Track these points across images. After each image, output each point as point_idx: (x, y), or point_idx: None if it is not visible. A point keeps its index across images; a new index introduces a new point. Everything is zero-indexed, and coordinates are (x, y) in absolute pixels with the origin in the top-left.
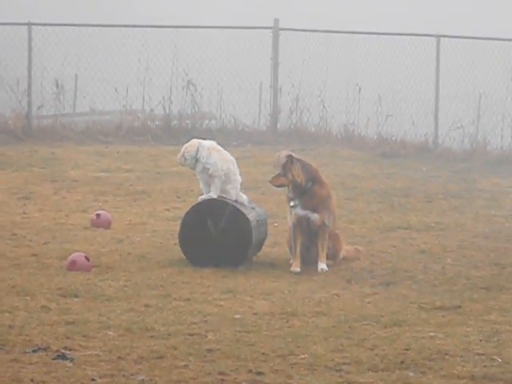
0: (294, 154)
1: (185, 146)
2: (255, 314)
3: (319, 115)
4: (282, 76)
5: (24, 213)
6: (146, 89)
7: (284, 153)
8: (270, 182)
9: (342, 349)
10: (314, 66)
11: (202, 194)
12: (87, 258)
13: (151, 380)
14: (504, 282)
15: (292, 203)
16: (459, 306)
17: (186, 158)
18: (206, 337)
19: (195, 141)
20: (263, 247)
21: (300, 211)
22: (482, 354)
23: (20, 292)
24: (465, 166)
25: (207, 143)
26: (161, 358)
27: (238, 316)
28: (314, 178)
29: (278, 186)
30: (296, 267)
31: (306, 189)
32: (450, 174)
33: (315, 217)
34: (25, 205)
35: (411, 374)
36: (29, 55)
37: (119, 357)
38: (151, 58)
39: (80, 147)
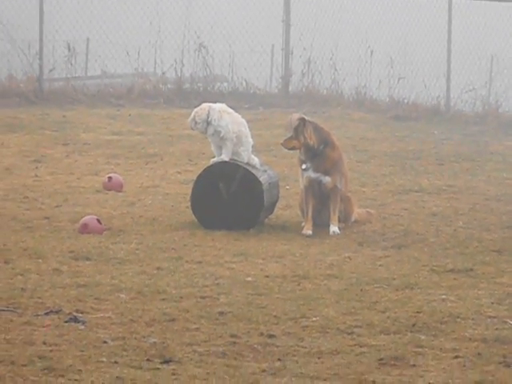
0: (306, 117)
1: (195, 110)
2: (267, 276)
3: (331, 78)
4: (293, 38)
5: (36, 176)
6: (157, 52)
7: (296, 116)
8: (281, 144)
9: (353, 311)
10: (325, 28)
11: (214, 157)
12: (99, 221)
13: (163, 343)
14: None
15: (304, 166)
16: (471, 269)
17: (196, 122)
18: (218, 299)
19: (205, 104)
20: (275, 210)
21: (312, 174)
22: (494, 317)
23: (32, 255)
24: (477, 129)
25: (218, 106)
26: (172, 320)
27: (249, 279)
28: (325, 141)
29: (289, 149)
30: (308, 230)
31: (318, 151)
32: (461, 136)
33: (327, 180)
34: (37, 168)
35: (423, 337)
36: (40, 18)
37: (131, 319)
38: (163, 21)
39: (92, 110)
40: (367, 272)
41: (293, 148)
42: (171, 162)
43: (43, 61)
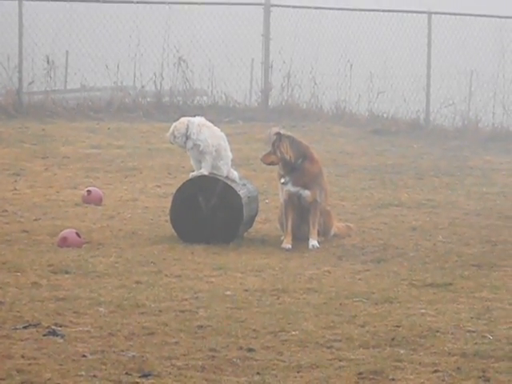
0: (282, 131)
1: (174, 124)
2: (246, 290)
3: (310, 92)
4: (273, 52)
5: (15, 189)
6: (137, 65)
7: (274, 130)
8: (261, 159)
9: (332, 325)
10: (305, 42)
11: (193, 171)
12: (78, 235)
13: (142, 356)
14: (495, 259)
15: (283, 180)
16: (450, 283)
17: (175, 136)
18: (197, 313)
19: (184, 118)
20: (254, 224)
21: (291, 188)
22: (473, 331)
23: (11, 268)
24: (456, 144)
25: (197, 120)
26: (152, 334)
27: (228, 292)
28: (304, 155)
29: (268, 164)
30: (287, 244)
31: (297, 165)
32: (441, 151)
33: (306, 193)
34: (16, 181)
35: (402, 351)
36: (19, 31)
37: (110, 333)
38: (142, 35)
39: (71, 123)
40: (346, 286)
41: (271, 163)
42: (150, 176)
43: (22, 74)
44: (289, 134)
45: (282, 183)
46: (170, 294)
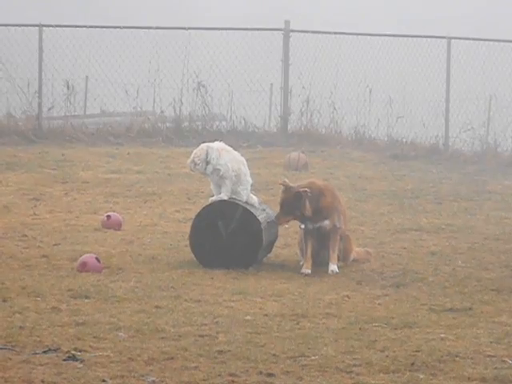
0: (302, 190)
1: (194, 152)
2: (266, 315)
3: (330, 117)
4: (292, 78)
5: (34, 214)
6: (156, 90)
7: (293, 190)
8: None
9: (352, 350)
10: (324, 67)
11: (213, 196)
12: (98, 260)
13: (162, 381)
14: None
15: (303, 226)
16: (470, 308)
17: (196, 163)
18: (217, 338)
19: (204, 145)
20: (274, 249)
21: (310, 226)
22: (493, 356)
23: (31, 293)
24: (475, 168)
25: (216, 145)
26: (171, 359)
27: (248, 317)
28: (318, 197)
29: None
30: (307, 269)
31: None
32: (460, 175)
33: (326, 223)
34: (35, 206)
35: (421, 376)
36: (39, 57)
37: (130, 358)
38: (162, 60)
39: (90, 148)
40: (366, 311)
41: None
42: (170, 201)
43: (42, 99)
44: (305, 188)
45: (302, 228)
46: (190, 318)
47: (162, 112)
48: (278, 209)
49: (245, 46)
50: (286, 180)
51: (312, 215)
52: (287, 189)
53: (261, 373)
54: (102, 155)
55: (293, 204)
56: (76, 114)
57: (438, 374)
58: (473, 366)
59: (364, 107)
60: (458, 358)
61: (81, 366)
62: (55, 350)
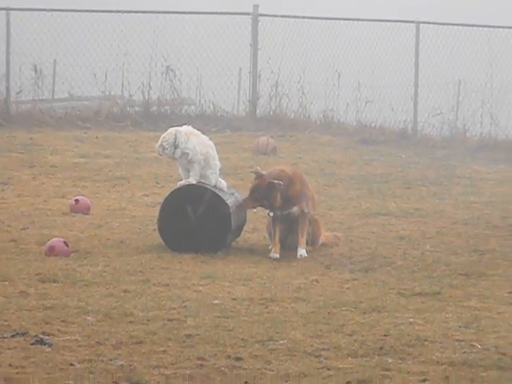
0: (276, 182)
1: (162, 136)
2: (234, 299)
3: (298, 101)
4: (261, 62)
5: (2, 198)
6: (124, 74)
7: (265, 179)
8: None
9: (320, 334)
10: (293, 52)
11: (181, 180)
12: (66, 244)
13: (130, 365)
14: (483, 268)
15: (271, 214)
16: (438, 292)
17: (164, 147)
18: (185, 322)
19: (172, 129)
20: (242, 233)
21: (279, 213)
22: (462, 340)
23: None
24: (444, 153)
25: (184, 129)
26: (140, 343)
27: (216, 301)
28: (287, 186)
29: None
30: (275, 253)
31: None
32: (429, 160)
33: (294, 209)
34: (3, 190)
35: (390, 360)
36: (7, 40)
37: (98, 342)
38: (130, 44)
39: (59, 133)
40: (334, 295)
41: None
42: (138, 185)
43: (10, 83)
44: (278, 181)
45: (271, 216)
46: (158, 302)
47: (130, 96)
48: (246, 193)
49: (213, 30)
50: (258, 168)
51: (281, 204)
52: (259, 177)
53: (229, 357)
54: (71, 139)
55: (263, 193)
56: (44, 98)
57: (407, 358)
58: (441, 350)
59: (333, 92)
60: (426, 343)
61: (49, 349)
62: (23, 334)
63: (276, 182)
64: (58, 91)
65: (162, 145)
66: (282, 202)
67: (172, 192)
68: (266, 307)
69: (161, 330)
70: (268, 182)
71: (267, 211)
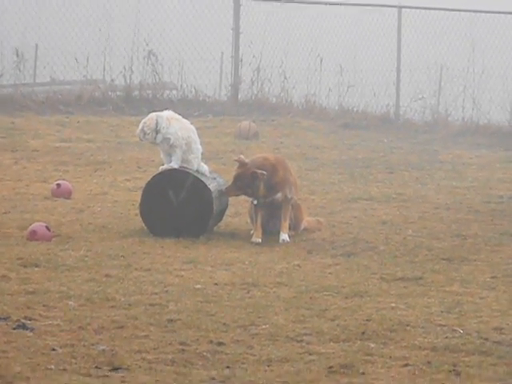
0: (259, 171)
1: (143, 121)
2: (216, 284)
3: (280, 86)
4: (243, 46)
5: None
6: (106, 59)
7: (249, 168)
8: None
9: (303, 319)
10: (275, 36)
11: (163, 165)
12: (48, 228)
13: (112, 350)
14: (465, 253)
15: (255, 202)
16: (420, 277)
17: (145, 133)
18: (167, 307)
19: (153, 114)
20: (224, 217)
21: (262, 200)
22: (444, 325)
23: None
24: (426, 138)
25: (165, 113)
26: (121, 327)
27: (198, 286)
28: (270, 174)
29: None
30: (257, 238)
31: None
32: (411, 145)
33: (278, 196)
34: None
35: (372, 345)
36: None
37: (80, 327)
38: (112, 28)
39: (40, 117)
40: (317, 280)
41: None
42: (120, 170)
43: None
44: (261, 171)
45: (255, 204)
46: (140, 287)
47: (112, 80)
48: (228, 177)
49: (195, 15)
50: (242, 156)
51: (265, 192)
52: (242, 165)
53: (211, 342)
54: (52, 124)
55: (246, 182)
56: (25, 82)
57: (389, 342)
58: (424, 335)
59: (315, 76)
60: (408, 327)
61: (31, 334)
62: (5, 319)
63: (259, 172)
64: (39, 75)
65: (143, 130)
66: (265, 190)
67: (154, 176)
68: (248, 292)
69: (142, 314)
70: (251, 171)
71: (251, 200)
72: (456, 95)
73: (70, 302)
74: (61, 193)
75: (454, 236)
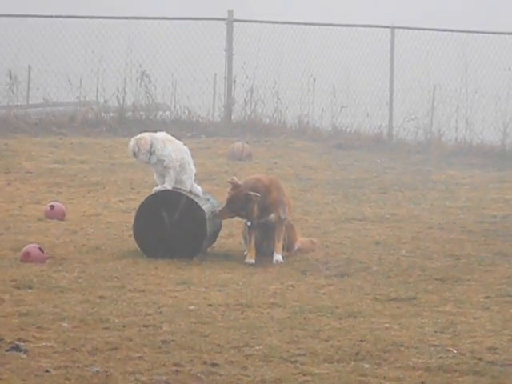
0: (252, 193)
1: (135, 138)
2: (210, 305)
3: (273, 107)
4: (236, 67)
5: None
6: (99, 80)
7: (242, 190)
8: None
9: (296, 340)
10: (268, 57)
11: (157, 186)
12: (41, 250)
13: (106, 371)
14: (459, 273)
15: (249, 223)
16: (414, 298)
17: (140, 153)
18: (161, 328)
19: (146, 134)
20: (218, 238)
21: (256, 221)
22: (438, 346)
23: None
24: (419, 158)
25: (160, 135)
26: (115, 349)
27: (192, 307)
28: (264, 195)
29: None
30: (251, 258)
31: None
32: (404, 165)
33: (271, 217)
34: None
35: (366, 366)
36: None
37: (74, 348)
38: (105, 49)
39: (34, 139)
40: (310, 300)
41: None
42: (113, 191)
43: None
44: (254, 193)
45: (248, 225)
46: (134, 308)
47: (105, 102)
48: (221, 198)
49: (188, 36)
50: (235, 178)
51: (258, 214)
52: (235, 187)
53: (205, 363)
54: (45, 145)
55: (240, 204)
56: (19, 103)
57: (383, 363)
58: (417, 355)
59: (308, 97)
60: (402, 348)
61: (24, 356)
62: None
63: (253, 194)
64: (32, 97)
65: (137, 147)
66: (258, 211)
67: (147, 198)
68: (242, 313)
69: (136, 336)
70: (245, 193)
71: (245, 221)
72: (449, 115)
73: (64, 324)
74: (54, 214)
75: (448, 256)
